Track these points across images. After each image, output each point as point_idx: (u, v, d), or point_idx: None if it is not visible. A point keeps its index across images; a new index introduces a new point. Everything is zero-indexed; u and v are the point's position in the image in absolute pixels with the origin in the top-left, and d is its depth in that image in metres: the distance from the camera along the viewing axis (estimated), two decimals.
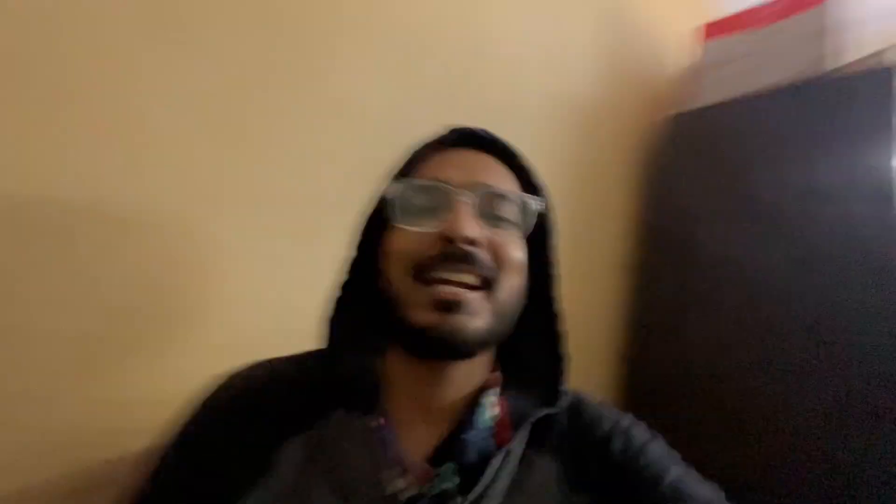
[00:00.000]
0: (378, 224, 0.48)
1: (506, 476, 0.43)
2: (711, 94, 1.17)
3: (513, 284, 0.46)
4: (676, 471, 0.45)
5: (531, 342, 0.51)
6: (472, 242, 0.43)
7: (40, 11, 0.55)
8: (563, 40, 1.13)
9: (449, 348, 0.42)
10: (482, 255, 0.43)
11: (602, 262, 1.20)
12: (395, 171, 0.50)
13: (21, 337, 0.53)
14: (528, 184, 0.51)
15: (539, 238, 0.50)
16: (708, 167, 1.13)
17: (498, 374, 0.49)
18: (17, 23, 0.54)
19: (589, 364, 1.14)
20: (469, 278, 0.43)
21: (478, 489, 0.41)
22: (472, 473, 0.41)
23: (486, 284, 0.43)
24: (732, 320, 1.02)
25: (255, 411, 0.45)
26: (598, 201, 1.20)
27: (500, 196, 0.46)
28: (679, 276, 1.13)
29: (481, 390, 0.47)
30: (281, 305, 0.70)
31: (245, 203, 0.68)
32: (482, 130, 0.51)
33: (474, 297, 0.42)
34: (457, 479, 0.41)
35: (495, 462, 0.42)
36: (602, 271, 1.20)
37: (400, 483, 0.40)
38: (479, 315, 0.43)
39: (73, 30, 0.57)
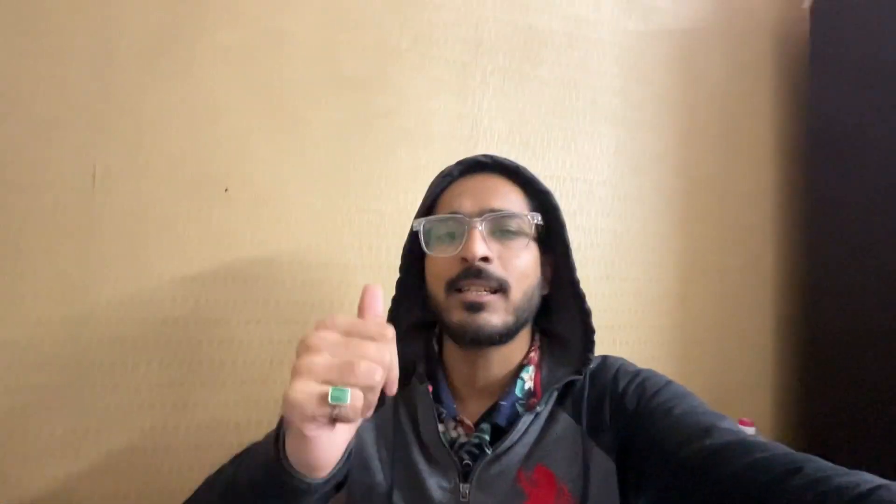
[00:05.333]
0: (416, 250, 0.61)
1: (533, 432, 0.56)
2: None
3: (524, 287, 0.57)
4: (690, 402, 0.52)
5: (567, 320, 0.62)
6: (484, 259, 0.54)
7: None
8: None
9: (477, 338, 0.55)
10: (493, 268, 0.55)
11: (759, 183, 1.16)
12: (422, 206, 0.63)
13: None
14: (535, 191, 0.62)
15: (558, 232, 0.61)
16: (862, 47, 1.00)
17: (535, 353, 0.61)
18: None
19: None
20: (486, 285, 0.55)
21: (504, 443, 0.55)
22: (505, 431, 0.56)
23: (501, 290, 0.55)
24: None
25: None
26: (746, 125, 1.16)
27: (505, 216, 0.57)
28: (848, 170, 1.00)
29: (522, 366, 0.59)
30: None
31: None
32: (486, 157, 0.62)
33: (493, 299, 0.55)
34: (487, 436, 0.55)
35: (524, 421, 0.56)
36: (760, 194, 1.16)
37: (454, 433, 0.58)
38: (497, 313, 0.55)
39: None
